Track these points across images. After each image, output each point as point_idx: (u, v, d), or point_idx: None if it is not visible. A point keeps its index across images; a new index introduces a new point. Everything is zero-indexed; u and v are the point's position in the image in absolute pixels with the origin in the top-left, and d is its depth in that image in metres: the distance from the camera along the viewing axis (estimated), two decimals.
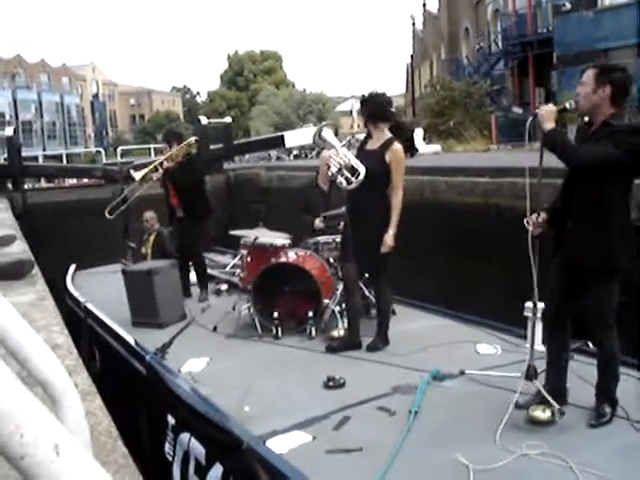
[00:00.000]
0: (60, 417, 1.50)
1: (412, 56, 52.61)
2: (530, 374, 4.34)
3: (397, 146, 6.09)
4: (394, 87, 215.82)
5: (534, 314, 4.57)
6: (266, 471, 3.76)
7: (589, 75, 4.25)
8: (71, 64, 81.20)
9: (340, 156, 6.00)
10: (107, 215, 9.65)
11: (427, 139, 28.16)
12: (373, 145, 6.14)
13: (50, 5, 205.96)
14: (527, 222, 4.34)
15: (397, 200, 6.04)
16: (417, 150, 20.58)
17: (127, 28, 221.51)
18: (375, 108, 6.19)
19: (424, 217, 11.55)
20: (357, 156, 6.08)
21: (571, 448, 3.91)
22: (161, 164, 8.71)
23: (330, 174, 6.03)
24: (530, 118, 4.35)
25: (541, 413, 4.24)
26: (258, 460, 3.86)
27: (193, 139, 8.75)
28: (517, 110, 31.33)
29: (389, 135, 6.16)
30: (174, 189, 8.73)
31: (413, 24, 52.32)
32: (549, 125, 4.19)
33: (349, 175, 5.93)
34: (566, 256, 4.34)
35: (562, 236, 4.36)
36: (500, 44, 33.47)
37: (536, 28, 31.04)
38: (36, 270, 5.91)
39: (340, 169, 5.94)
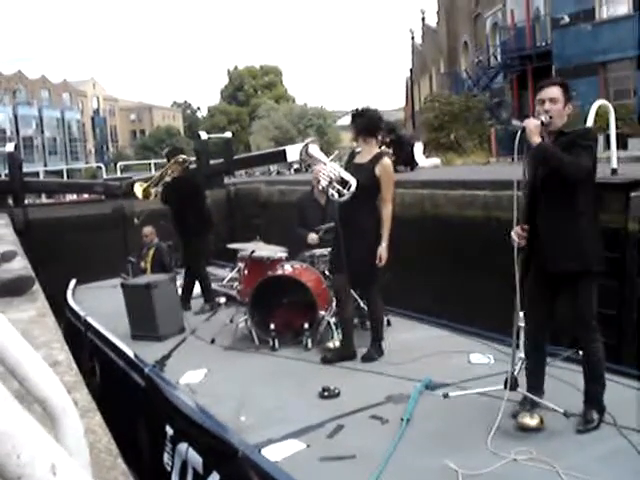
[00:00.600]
0: (59, 435, 1.51)
1: (411, 70, 52.79)
2: (512, 384, 4.43)
3: (387, 160, 6.29)
4: (394, 101, 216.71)
5: (517, 324, 4.64)
6: (262, 479, 3.82)
7: (557, 92, 4.39)
8: (72, 80, 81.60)
9: (329, 170, 6.12)
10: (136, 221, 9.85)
11: (427, 153, 28.22)
12: (362, 159, 6.27)
13: (51, 21, 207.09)
14: (513, 234, 4.41)
15: (387, 213, 6.17)
16: (417, 164, 20.60)
17: (127, 44, 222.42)
18: (366, 123, 6.34)
19: (424, 230, 11.63)
20: (346, 169, 6.22)
21: (559, 453, 4.00)
22: (161, 179, 8.86)
23: (320, 187, 6.20)
24: (519, 132, 4.38)
25: (529, 420, 4.33)
26: (253, 468, 3.93)
27: (181, 157, 8.87)
28: (516, 123, 30.84)
29: (378, 150, 6.38)
30: (171, 204, 8.92)
31: (412, 38, 52.58)
32: (537, 139, 4.26)
33: (340, 188, 6.06)
34: (541, 266, 4.40)
35: (534, 248, 4.44)
36: (499, 57, 33.69)
37: (535, 41, 31.26)
38: (37, 286, 5.93)
39: (330, 182, 6.07)
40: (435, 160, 27.56)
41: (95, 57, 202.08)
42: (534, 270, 4.48)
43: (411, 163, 18.61)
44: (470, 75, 36.43)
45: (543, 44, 30.47)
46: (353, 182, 6.02)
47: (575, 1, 27.07)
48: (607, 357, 4.73)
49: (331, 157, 6.43)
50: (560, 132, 4.41)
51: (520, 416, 4.37)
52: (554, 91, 4.40)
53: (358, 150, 6.45)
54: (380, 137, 16.72)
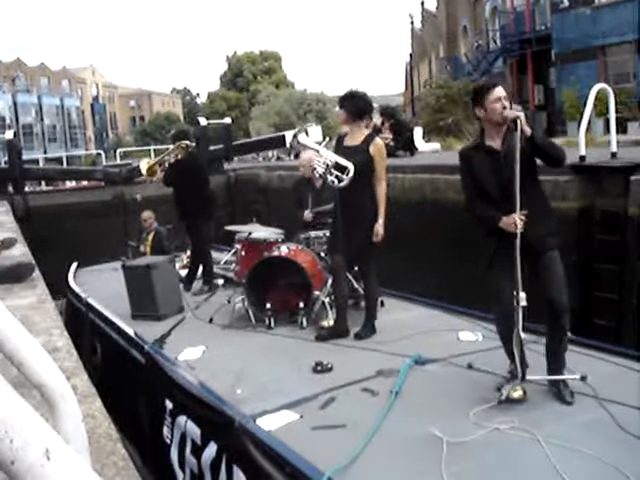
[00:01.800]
0: (57, 421, 1.55)
1: (411, 55, 52.64)
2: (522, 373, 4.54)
3: (379, 140, 6.51)
4: (393, 86, 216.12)
5: (519, 309, 4.61)
6: (256, 446, 4.01)
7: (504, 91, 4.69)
8: (71, 67, 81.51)
9: (323, 157, 6.24)
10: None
11: (426, 137, 28.22)
12: (354, 141, 6.42)
13: (49, 8, 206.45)
14: (517, 220, 4.46)
15: (382, 190, 6.36)
16: (417, 148, 20.63)
17: (126, 30, 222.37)
18: (355, 106, 6.44)
19: (424, 215, 11.71)
20: (337, 153, 6.35)
21: (540, 423, 4.18)
22: (165, 160, 9.06)
23: (317, 175, 6.33)
24: (517, 120, 4.46)
25: (513, 392, 4.49)
26: (249, 437, 4.11)
27: (184, 143, 9.01)
28: (516, 107, 31.38)
29: (368, 131, 6.55)
30: (174, 187, 9.13)
31: (412, 23, 52.43)
32: (529, 127, 4.48)
33: (338, 173, 6.19)
34: (521, 246, 4.48)
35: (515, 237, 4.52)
36: (498, 42, 33.59)
37: (534, 25, 31.15)
38: (37, 273, 6.02)
39: (327, 168, 6.19)
40: (435, 145, 27.57)
41: (94, 44, 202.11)
42: (506, 252, 4.55)
43: (411, 148, 18.65)
44: (469, 59, 36.37)
45: (542, 28, 30.37)
46: (350, 167, 6.16)
47: None
48: (606, 339, 4.97)
49: (323, 144, 6.52)
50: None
51: (504, 388, 4.52)
52: (503, 90, 4.69)
53: (345, 133, 6.59)
54: (379, 122, 16.78)
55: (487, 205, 4.69)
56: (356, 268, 6.99)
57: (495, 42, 34.43)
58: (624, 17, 24.18)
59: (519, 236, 4.41)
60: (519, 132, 4.43)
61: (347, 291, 6.79)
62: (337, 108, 6.64)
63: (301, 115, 40.97)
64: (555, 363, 4.67)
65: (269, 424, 4.35)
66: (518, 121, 4.42)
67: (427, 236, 11.36)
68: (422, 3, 48.95)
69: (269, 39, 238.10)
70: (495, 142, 4.69)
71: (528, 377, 4.54)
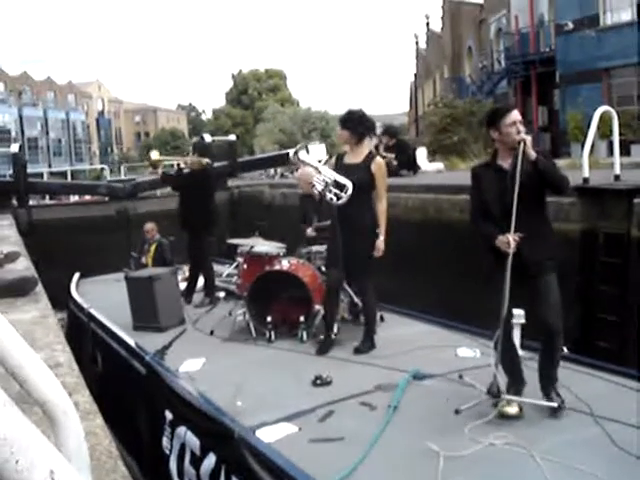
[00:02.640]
0: (60, 438, 1.54)
1: (416, 75, 52.90)
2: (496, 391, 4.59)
3: (380, 159, 6.65)
4: (398, 105, 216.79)
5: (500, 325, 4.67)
6: (255, 458, 4.04)
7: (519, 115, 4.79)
8: (77, 81, 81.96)
9: (322, 174, 6.33)
10: None
11: (430, 157, 28.29)
12: (355, 159, 6.53)
13: (57, 23, 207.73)
14: (511, 240, 4.51)
15: (382, 207, 6.50)
16: (419, 168, 20.68)
17: (133, 46, 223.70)
18: (357, 125, 6.56)
19: (428, 235, 11.75)
20: (338, 171, 6.43)
21: (535, 439, 4.21)
22: (176, 163, 9.29)
23: (316, 192, 6.35)
24: (522, 144, 4.55)
25: (509, 408, 4.55)
26: (248, 448, 4.14)
27: (205, 161, 9.18)
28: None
29: (368, 149, 6.64)
30: (180, 195, 9.35)
31: (417, 43, 52.60)
32: (534, 152, 4.57)
33: (337, 191, 6.28)
34: (518, 269, 4.53)
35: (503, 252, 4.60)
36: (503, 63, 33.71)
37: (539, 47, 31.32)
38: (40, 287, 6.04)
39: (327, 186, 6.28)
40: (438, 165, 27.58)
41: (100, 59, 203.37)
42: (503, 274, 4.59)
43: (413, 167, 18.68)
44: (474, 80, 36.50)
45: (547, 50, 30.53)
46: (349, 184, 6.25)
47: (579, 7, 27.13)
48: (607, 361, 5.06)
49: (323, 161, 6.61)
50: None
51: (500, 404, 4.57)
52: (519, 114, 4.79)
53: (344, 152, 6.73)
54: (383, 141, 16.85)
55: (489, 222, 4.76)
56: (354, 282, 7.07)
57: (500, 63, 34.58)
58: (628, 40, 24.30)
59: (511, 255, 4.47)
60: (520, 153, 4.50)
61: (337, 307, 6.88)
62: (338, 128, 6.72)
63: (305, 133, 41.15)
64: (546, 380, 4.75)
65: (268, 436, 4.40)
66: (522, 143, 4.51)
67: (429, 255, 11.41)
68: (427, 24, 49.18)
69: (274, 57, 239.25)
70: (506, 162, 4.76)
71: (506, 396, 4.59)
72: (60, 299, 8.57)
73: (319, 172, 6.35)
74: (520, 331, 6.02)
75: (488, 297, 4.79)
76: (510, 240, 4.48)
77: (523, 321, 5.98)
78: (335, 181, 6.29)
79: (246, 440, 4.22)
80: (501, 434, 4.25)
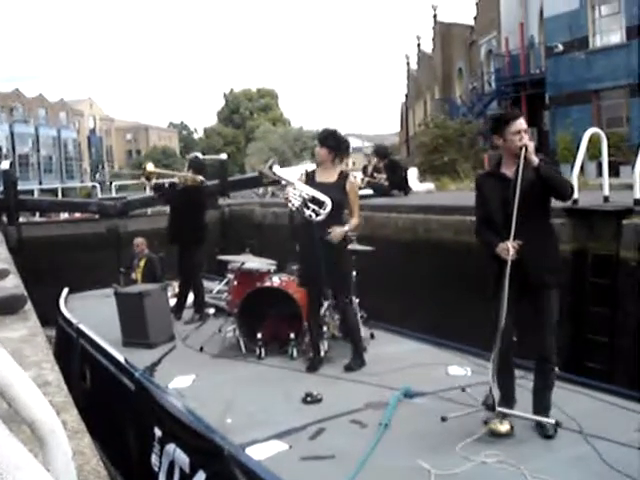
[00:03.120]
0: (47, 457, 1.53)
1: (406, 95, 53.19)
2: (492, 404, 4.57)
3: (352, 178, 6.79)
4: (389, 125, 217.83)
5: (498, 334, 4.62)
6: (245, 476, 4.01)
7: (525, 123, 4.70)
8: (69, 99, 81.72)
9: (298, 190, 6.33)
10: None
11: (421, 177, 28.38)
12: (329, 178, 6.53)
13: (49, 41, 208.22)
14: (510, 247, 4.44)
15: (356, 223, 6.58)
16: (411, 189, 20.67)
17: (125, 64, 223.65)
18: (337, 144, 6.62)
19: (417, 255, 11.77)
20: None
21: (527, 457, 4.21)
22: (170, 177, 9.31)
23: (294, 208, 6.33)
24: (523, 150, 4.51)
25: (500, 426, 4.53)
26: (238, 466, 4.11)
27: (199, 178, 9.16)
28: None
29: (340, 168, 6.70)
30: (172, 210, 9.38)
31: (408, 64, 52.95)
32: (536, 158, 4.53)
33: (316, 207, 6.27)
34: (519, 280, 4.49)
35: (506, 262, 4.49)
36: (493, 84, 34.01)
37: (529, 69, 31.61)
38: (29, 305, 5.98)
39: (304, 202, 6.27)
40: (429, 185, 27.64)
41: (93, 77, 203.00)
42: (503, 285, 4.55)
43: (404, 188, 18.71)
44: (464, 101, 36.75)
45: (537, 72, 30.82)
46: (327, 201, 6.27)
47: (569, 30, 27.37)
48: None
49: (298, 177, 6.60)
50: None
51: (491, 422, 4.56)
52: (524, 122, 4.70)
53: (313, 170, 6.74)
54: (372, 161, 16.93)
55: (491, 231, 4.71)
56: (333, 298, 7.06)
57: (490, 84, 34.86)
58: (618, 62, 24.55)
59: (509, 263, 4.40)
60: (522, 159, 4.46)
61: (320, 324, 6.86)
62: (317, 146, 6.68)
63: (297, 152, 41.30)
64: (539, 402, 4.71)
65: (258, 454, 4.36)
66: (523, 149, 4.48)
67: (418, 275, 11.41)
68: (418, 45, 49.54)
69: (266, 77, 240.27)
70: (509, 170, 4.71)
71: (500, 409, 4.56)
72: (49, 317, 8.51)
73: (294, 188, 6.35)
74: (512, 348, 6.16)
75: (492, 314, 4.62)
76: (509, 247, 4.42)
77: (514, 338, 6.07)
78: (312, 197, 6.29)
79: (236, 457, 4.18)
80: (492, 452, 4.24)
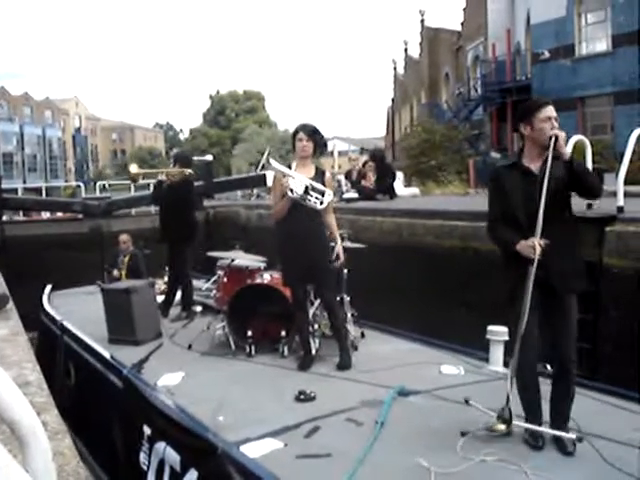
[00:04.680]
0: (27, 458, 1.53)
1: (393, 99, 53.30)
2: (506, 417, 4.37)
3: (329, 174, 6.72)
4: (374, 129, 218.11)
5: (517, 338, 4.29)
6: (240, 474, 3.91)
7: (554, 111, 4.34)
8: (54, 98, 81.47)
9: (299, 179, 6.25)
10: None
11: (406, 181, 28.44)
12: (307, 173, 6.44)
13: (35, 39, 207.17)
14: (537, 245, 4.10)
15: (333, 220, 6.61)
16: (396, 193, 20.65)
17: (111, 64, 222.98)
18: (322, 140, 6.62)
19: (402, 259, 11.76)
20: None
21: (525, 456, 4.15)
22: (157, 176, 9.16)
23: (297, 195, 6.20)
24: (552, 140, 4.16)
25: (499, 425, 4.41)
26: (233, 464, 4.01)
27: (188, 171, 9.01)
28: (495, 155, 31.83)
29: (314, 164, 6.65)
30: (160, 208, 9.27)
31: (395, 68, 53.09)
32: (568, 150, 4.28)
33: (318, 195, 6.25)
34: (540, 283, 4.18)
35: (529, 265, 4.17)
36: (479, 90, 34.11)
37: (515, 75, 31.83)
38: (11, 305, 5.92)
39: (307, 190, 6.21)
40: (414, 190, 27.75)
41: (79, 76, 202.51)
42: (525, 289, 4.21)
43: (390, 192, 18.71)
44: (450, 106, 36.88)
45: (523, 78, 31.03)
46: (328, 190, 6.31)
47: (555, 37, 27.60)
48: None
49: (293, 167, 6.52)
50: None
51: (491, 422, 4.45)
52: (554, 110, 4.34)
53: (287, 164, 6.68)
54: (371, 165, 17.03)
55: (509, 229, 4.34)
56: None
57: (476, 90, 34.97)
58: (603, 70, 24.74)
59: (535, 262, 4.07)
60: (550, 150, 4.14)
61: (307, 322, 6.76)
62: (303, 139, 6.42)
63: (283, 155, 41.29)
64: (558, 413, 4.44)
65: (253, 452, 4.26)
66: (556, 139, 4.14)
67: (403, 278, 11.40)
68: (405, 49, 49.68)
69: (253, 79, 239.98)
70: (534, 164, 4.35)
71: (517, 423, 4.36)
72: (32, 317, 8.37)
73: (293, 178, 6.25)
74: (503, 349, 6.12)
75: (511, 322, 4.42)
76: (536, 245, 4.08)
77: (506, 338, 5.98)
78: (313, 186, 6.26)
79: (230, 455, 4.09)
80: (491, 450, 4.17)
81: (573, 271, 4.33)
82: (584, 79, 25.84)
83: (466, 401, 4.64)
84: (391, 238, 12.26)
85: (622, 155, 9.16)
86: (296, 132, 6.49)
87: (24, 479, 1.15)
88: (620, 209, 8.35)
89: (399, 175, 26.48)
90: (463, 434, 4.41)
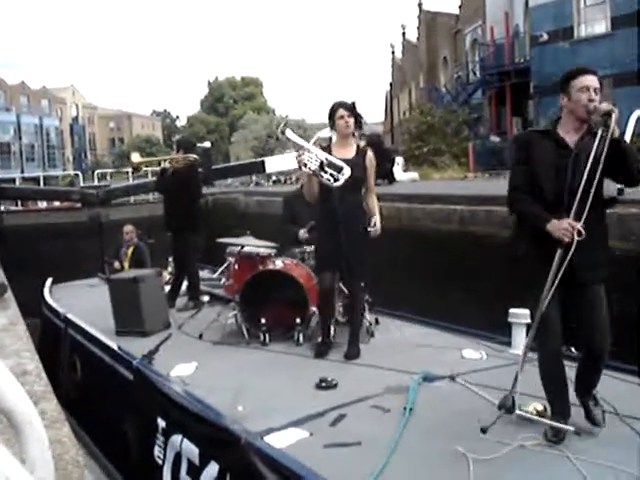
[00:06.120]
0: (24, 447, 1.52)
1: (391, 84, 53.15)
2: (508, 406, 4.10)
3: (371, 152, 6.26)
4: (373, 114, 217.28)
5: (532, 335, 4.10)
6: (267, 465, 3.74)
7: (597, 81, 3.97)
8: (51, 87, 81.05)
9: (315, 154, 5.89)
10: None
11: (405, 166, 28.41)
12: (347, 154, 6.10)
13: (32, 28, 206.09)
14: (569, 228, 3.79)
15: (375, 200, 6.31)
16: (395, 178, 20.57)
17: (108, 52, 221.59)
18: (360, 117, 6.26)
19: (401, 244, 11.65)
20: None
21: (565, 439, 3.96)
22: (160, 163, 8.93)
23: (310, 171, 5.86)
24: (614, 116, 3.77)
25: (531, 408, 4.24)
26: (258, 455, 3.84)
27: (193, 156, 8.76)
28: (494, 139, 31.78)
29: (357, 142, 6.31)
30: (166, 196, 9.02)
31: (393, 52, 52.91)
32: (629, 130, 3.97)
33: (334, 172, 5.86)
34: (569, 270, 3.87)
35: (559, 249, 3.88)
36: (478, 73, 34.03)
37: (514, 58, 31.65)
38: (9, 294, 5.85)
39: (322, 165, 5.83)
40: (413, 174, 27.74)
41: (75, 65, 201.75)
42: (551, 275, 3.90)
43: (389, 177, 18.68)
44: (449, 90, 36.75)
45: (522, 61, 30.88)
46: (346, 167, 5.86)
47: (554, 19, 27.44)
48: None
49: (312, 141, 6.28)
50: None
51: (522, 404, 4.26)
52: (596, 80, 3.97)
53: (327, 144, 6.35)
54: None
55: (536, 203, 3.98)
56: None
57: (475, 74, 34.86)
58: (602, 52, 24.55)
59: (573, 247, 3.76)
60: (613, 124, 3.73)
61: (333, 311, 6.59)
62: (345, 115, 6.07)
63: (282, 141, 41.14)
64: (582, 382, 4.23)
65: (278, 442, 4.09)
66: (613, 116, 3.74)
67: (403, 263, 11.32)
68: (403, 34, 49.49)
69: (251, 65, 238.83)
70: (569, 136, 4.00)
71: (519, 412, 4.10)
72: (30, 306, 8.20)
73: (309, 152, 5.90)
74: (525, 332, 5.88)
75: (534, 310, 4.07)
76: (575, 227, 3.75)
77: (528, 321, 5.73)
78: (329, 161, 5.88)
79: (255, 446, 3.91)
80: (529, 435, 4.00)
81: (599, 261, 4.01)
82: (583, 61, 25.55)
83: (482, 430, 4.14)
84: (391, 223, 12.12)
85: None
86: (335, 109, 6.13)
87: (14, 466, 1.13)
88: (620, 191, 8.18)
89: (399, 160, 26.53)
90: (483, 431, 4.08)
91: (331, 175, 5.84)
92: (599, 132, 3.77)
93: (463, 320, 7.29)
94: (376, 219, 6.20)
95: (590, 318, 4.05)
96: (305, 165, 5.83)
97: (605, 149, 3.72)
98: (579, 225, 3.76)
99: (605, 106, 3.80)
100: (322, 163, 5.81)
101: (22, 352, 3.98)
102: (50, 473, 1.60)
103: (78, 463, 2.48)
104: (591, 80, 3.94)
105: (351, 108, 6.13)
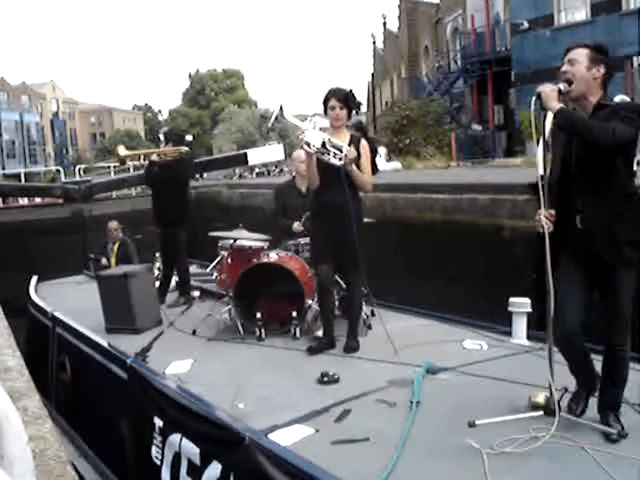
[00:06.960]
0: (2, 444, 1.52)
1: (373, 74, 53.08)
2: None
3: (364, 141, 6.09)
4: None
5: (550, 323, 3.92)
6: (273, 464, 3.62)
7: (581, 53, 3.86)
8: (31, 82, 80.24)
9: (316, 133, 5.76)
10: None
11: (388, 156, 28.43)
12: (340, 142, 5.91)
13: (9, 23, 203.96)
14: (541, 218, 3.83)
15: (368, 180, 6.11)
16: (378, 169, 20.47)
17: (88, 46, 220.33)
18: (354, 105, 6.12)
19: (385, 234, 11.59)
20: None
21: (578, 431, 3.89)
22: (148, 156, 8.70)
23: (314, 150, 5.70)
24: (534, 97, 3.81)
25: (542, 400, 4.15)
26: (263, 454, 3.72)
27: (184, 149, 8.56)
28: (476, 127, 31.82)
29: (349, 131, 6.12)
30: (155, 189, 8.80)
31: (374, 43, 52.87)
32: (557, 104, 3.76)
33: (336, 151, 5.72)
34: (580, 255, 3.87)
35: (567, 235, 3.89)
36: (459, 62, 34.05)
37: (494, 47, 31.70)
38: None
39: (324, 145, 5.69)
40: (396, 164, 27.76)
41: (55, 59, 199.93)
42: (567, 260, 3.92)
43: (373, 167, 18.60)
44: (431, 80, 36.78)
45: (503, 49, 30.95)
46: (345, 146, 5.74)
47: (534, 7, 27.53)
48: None
49: (307, 122, 6.15)
50: (598, 105, 3.84)
51: (532, 395, 4.21)
52: (577, 51, 3.87)
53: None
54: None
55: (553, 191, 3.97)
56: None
57: (456, 63, 34.90)
58: (583, 39, 24.12)
59: (547, 236, 3.77)
60: (531, 111, 3.82)
61: (333, 304, 6.45)
62: (336, 106, 5.88)
63: (264, 134, 41.11)
64: (602, 401, 4.04)
65: (283, 440, 3.96)
66: (542, 95, 3.77)
67: (386, 253, 11.25)
68: (384, 23, 49.40)
69: (232, 57, 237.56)
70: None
71: (563, 414, 3.92)
72: (12, 304, 8.02)
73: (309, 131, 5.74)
74: (525, 321, 5.91)
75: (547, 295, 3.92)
76: (542, 216, 3.80)
77: (528, 310, 5.84)
78: (330, 141, 5.72)
79: (260, 445, 3.78)
80: (541, 426, 3.88)
81: (625, 239, 3.76)
82: (564, 49, 25.67)
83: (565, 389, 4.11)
84: (374, 214, 12.06)
85: None
86: (327, 98, 5.95)
87: None
88: None
89: (382, 150, 26.50)
90: (471, 425, 4.02)
91: (334, 154, 5.72)
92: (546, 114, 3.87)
93: (449, 307, 7.18)
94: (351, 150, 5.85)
95: (608, 307, 3.90)
96: (308, 144, 5.69)
97: (548, 126, 3.86)
98: (547, 213, 3.82)
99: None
100: (324, 143, 5.69)
101: (3, 349, 3.95)
102: (29, 469, 1.60)
103: (60, 458, 2.47)
104: (571, 52, 3.91)
105: (344, 99, 5.94)
